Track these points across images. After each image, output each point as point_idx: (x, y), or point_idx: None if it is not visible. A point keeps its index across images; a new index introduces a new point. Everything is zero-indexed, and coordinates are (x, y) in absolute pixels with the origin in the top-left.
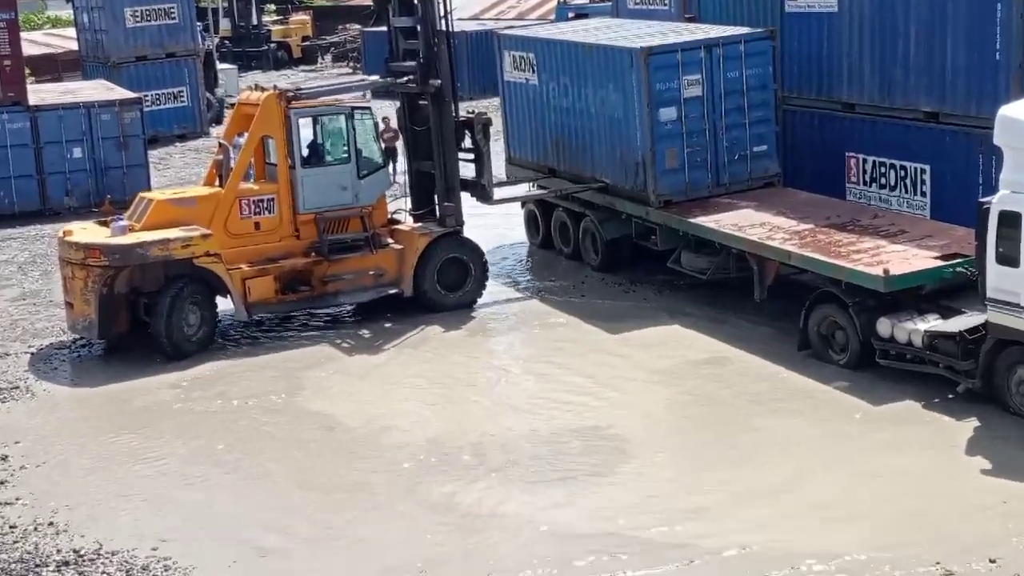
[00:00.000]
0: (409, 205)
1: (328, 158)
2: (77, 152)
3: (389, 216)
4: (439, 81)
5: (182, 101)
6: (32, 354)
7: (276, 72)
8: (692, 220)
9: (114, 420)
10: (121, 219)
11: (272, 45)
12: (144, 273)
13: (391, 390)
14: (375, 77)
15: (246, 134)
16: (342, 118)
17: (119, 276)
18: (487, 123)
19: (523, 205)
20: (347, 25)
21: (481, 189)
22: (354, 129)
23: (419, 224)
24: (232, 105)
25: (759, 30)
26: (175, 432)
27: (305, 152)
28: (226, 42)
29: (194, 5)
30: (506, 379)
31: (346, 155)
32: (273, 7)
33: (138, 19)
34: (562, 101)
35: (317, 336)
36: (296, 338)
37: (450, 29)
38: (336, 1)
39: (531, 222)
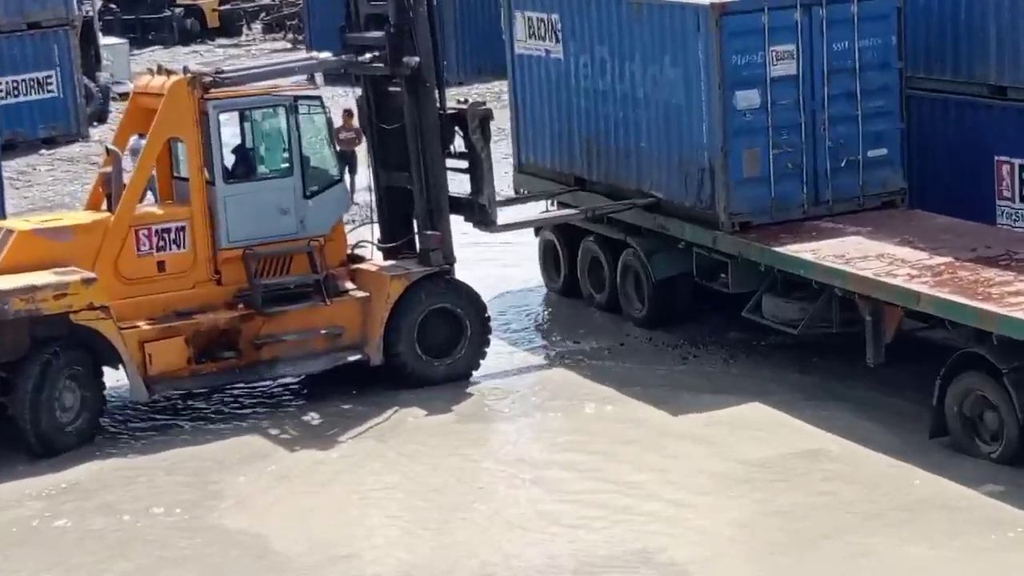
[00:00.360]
0: (377, 235)
1: (262, 169)
2: None
3: (349, 251)
4: (417, 59)
5: (50, 91)
6: None
7: (184, 48)
8: (779, 250)
9: None
10: None
11: (177, 10)
12: (1, 335)
13: (349, 501)
14: (326, 54)
15: (145, 136)
16: (281, 112)
17: None
18: (486, 117)
19: (537, 232)
20: None
21: (479, 210)
22: (298, 128)
23: (391, 263)
24: (123, 96)
25: None
26: (39, 563)
27: (229, 161)
28: (112, 7)
29: None
30: (515, 483)
31: (287, 165)
32: None
33: None
34: (597, 82)
35: (244, 423)
36: (215, 426)
37: None
38: None
39: (549, 256)
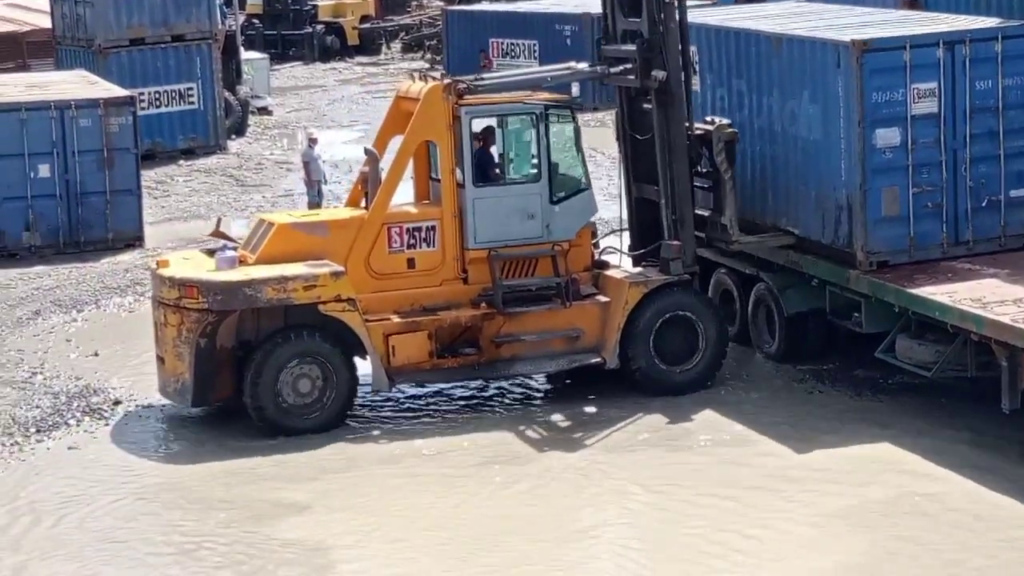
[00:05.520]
0: (627, 243)
1: (511, 174)
2: (44, 170)
3: (597, 257)
4: (664, 73)
5: (191, 103)
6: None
7: (323, 65)
8: (915, 291)
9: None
10: (229, 248)
11: (318, 27)
12: (258, 321)
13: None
14: (583, 65)
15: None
16: (532, 120)
17: (222, 324)
18: (732, 139)
19: None
20: (422, 1)
21: (720, 229)
22: (547, 136)
23: (633, 271)
24: (262, 110)
25: None
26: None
27: (480, 165)
28: (255, 22)
29: None
30: (622, 512)
31: (535, 171)
32: None
33: None
34: (734, 116)
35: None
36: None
37: (685, 4)
38: None
39: None
